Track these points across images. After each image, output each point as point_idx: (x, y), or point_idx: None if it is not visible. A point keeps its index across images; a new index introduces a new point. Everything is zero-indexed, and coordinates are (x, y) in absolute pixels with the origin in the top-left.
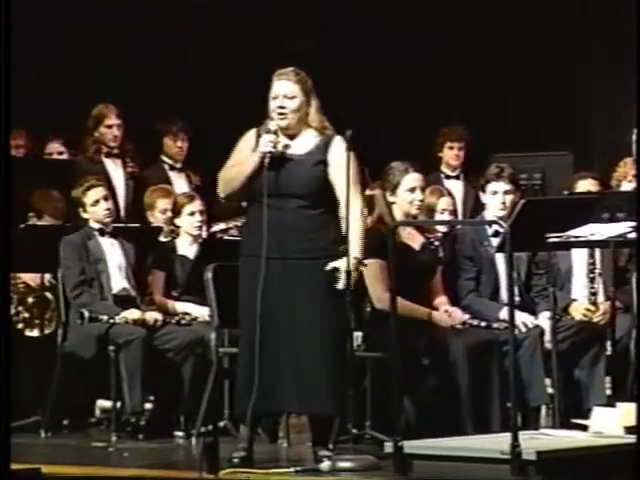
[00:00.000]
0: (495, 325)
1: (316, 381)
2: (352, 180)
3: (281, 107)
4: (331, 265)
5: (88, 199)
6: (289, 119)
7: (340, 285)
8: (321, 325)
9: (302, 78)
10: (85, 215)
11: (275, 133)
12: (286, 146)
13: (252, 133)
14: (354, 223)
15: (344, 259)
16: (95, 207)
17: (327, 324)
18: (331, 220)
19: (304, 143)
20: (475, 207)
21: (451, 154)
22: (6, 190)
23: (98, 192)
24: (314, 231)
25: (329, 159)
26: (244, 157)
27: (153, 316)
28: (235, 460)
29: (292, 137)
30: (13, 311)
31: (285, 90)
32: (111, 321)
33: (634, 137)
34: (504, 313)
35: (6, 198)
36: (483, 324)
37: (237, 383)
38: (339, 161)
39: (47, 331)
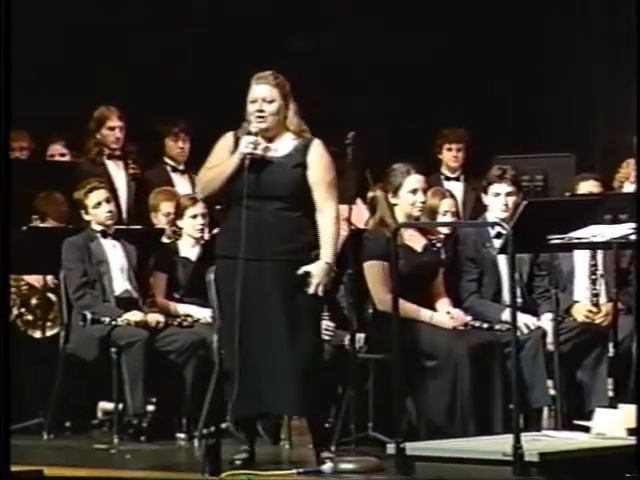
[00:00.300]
0: (497, 327)
1: (284, 382)
2: (327, 184)
3: (260, 110)
4: (303, 269)
5: (90, 201)
6: (268, 122)
7: (311, 290)
8: (293, 327)
9: (280, 82)
10: (87, 217)
11: (255, 135)
12: (266, 148)
13: (230, 135)
14: (327, 228)
15: (316, 263)
16: (97, 209)
17: (299, 326)
18: (309, 223)
19: (283, 146)
20: (475, 209)
21: (450, 156)
22: (6, 191)
23: (100, 194)
24: (292, 233)
25: (308, 161)
26: (222, 159)
27: (155, 318)
28: (237, 462)
29: (271, 140)
30: (16, 312)
31: (264, 94)
32: (113, 323)
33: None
34: (506, 315)
35: (6, 199)
36: (485, 326)
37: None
38: (317, 164)
39: (50, 332)
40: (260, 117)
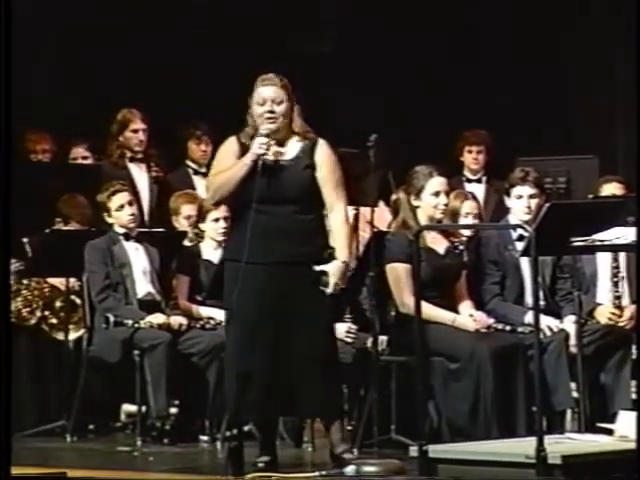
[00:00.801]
0: (520, 329)
1: (300, 384)
2: (335, 183)
3: (271, 112)
4: (319, 268)
5: (113, 204)
6: (278, 123)
7: (329, 290)
8: (313, 328)
9: (285, 84)
10: (110, 220)
11: (267, 136)
12: (278, 152)
13: (233, 140)
14: (340, 227)
15: (333, 263)
16: (120, 212)
17: (319, 326)
18: (321, 224)
19: (290, 149)
20: (497, 211)
21: (471, 158)
22: (6, 191)
23: (123, 197)
24: (306, 235)
25: (316, 162)
26: (230, 163)
27: (178, 321)
28: (260, 464)
29: (279, 142)
30: (39, 314)
31: (273, 95)
32: (136, 325)
33: None
34: (529, 317)
35: (6, 199)
36: (508, 328)
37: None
38: (325, 163)
39: (74, 335)
40: (271, 118)
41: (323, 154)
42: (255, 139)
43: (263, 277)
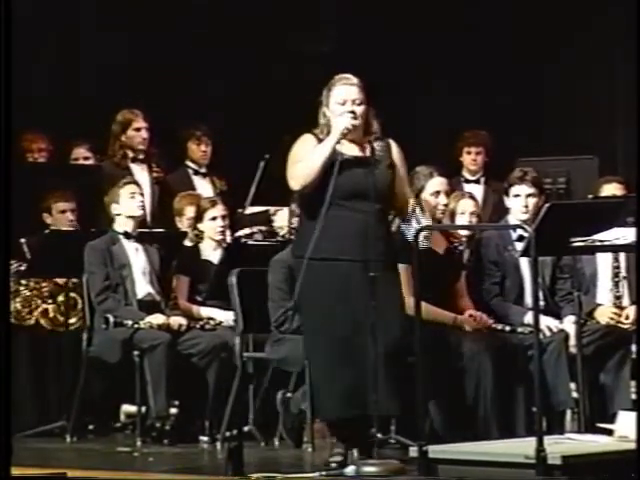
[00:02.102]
0: (520, 329)
1: (393, 383)
2: (407, 184)
3: (352, 112)
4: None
5: (125, 192)
6: (358, 121)
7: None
8: (397, 327)
9: (362, 85)
10: (117, 210)
11: (345, 135)
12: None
13: (310, 137)
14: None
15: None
16: (131, 199)
17: (400, 326)
18: (392, 223)
19: (369, 148)
20: (495, 212)
21: (470, 159)
22: (7, 191)
23: (134, 187)
24: (387, 235)
25: (395, 161)
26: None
27: (177, 321)
28: (333, 464)
29: (357, 143)
30: (40, 310)
31: (353, 95)
32: (135, 326)
33: None
34: (529, 317)
35: (7, 199)
36: (508, 328)
37: (315, 386)
38: (401, 163)
39: (73, 328)
40: (354, 117)
41: (398, 153)
42: (339, 117)
43: (349, 275)
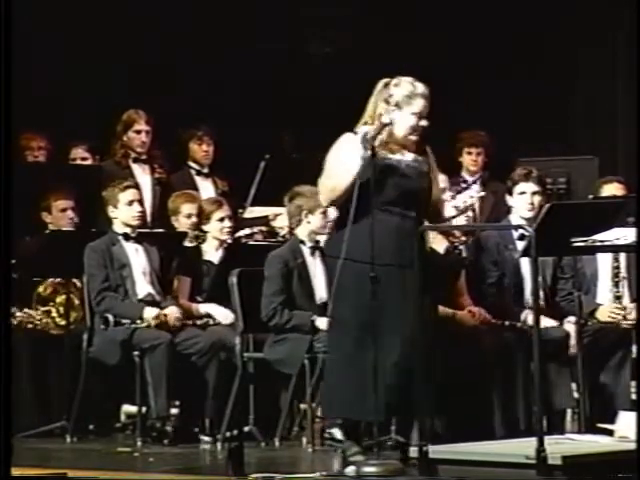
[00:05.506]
0: (519, 325)
1: (409, 384)
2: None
3: (419, 127)
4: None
5: (123, 197)
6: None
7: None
8: (425, 331)
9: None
10: (114, 214)
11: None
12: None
13: (350, 139)
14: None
15: None
16: (129, 207)
17: (428, 330)
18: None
19: (410, 155)
20: (494, 212)
21: (469, 159)
22: (7, 190)
23: (134, 194)
24: (415, 242)
25: (432, 168)
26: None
27: (173, 311)
28: (353, 465)
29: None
30: (42, 310)
31: (426, 111)
32: (133, 326)
33: None
34: (529, 317)
35: (7, 199)
36: (507, 324)
37: (341, 388)
38: (436, 171)
39: (73, 326)
40: (418, 134)
41: (433, 161)
42: (384, 116)
43: (383, 278)
